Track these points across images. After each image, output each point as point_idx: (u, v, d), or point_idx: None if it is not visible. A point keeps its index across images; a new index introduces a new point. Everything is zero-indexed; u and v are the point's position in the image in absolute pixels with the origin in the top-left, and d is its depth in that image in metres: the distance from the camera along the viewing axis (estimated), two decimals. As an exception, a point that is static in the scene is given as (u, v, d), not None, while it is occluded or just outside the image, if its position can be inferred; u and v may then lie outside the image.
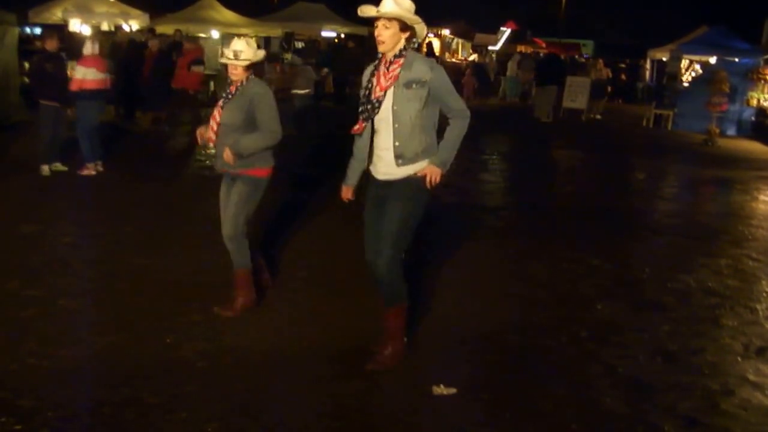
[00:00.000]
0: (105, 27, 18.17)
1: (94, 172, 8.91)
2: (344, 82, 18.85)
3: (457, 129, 3.98)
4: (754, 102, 17.78)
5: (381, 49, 3.86)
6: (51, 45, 8.85)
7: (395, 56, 3.85)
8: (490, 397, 3.92)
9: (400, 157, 3.89)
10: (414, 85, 3.82)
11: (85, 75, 8.64)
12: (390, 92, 3.84)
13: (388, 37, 3.80)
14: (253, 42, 4.82)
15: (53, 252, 5.99)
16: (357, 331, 4.66)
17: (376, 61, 3.97)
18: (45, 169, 8.74)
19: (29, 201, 7.69)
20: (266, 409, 3.68)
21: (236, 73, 4.66)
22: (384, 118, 3.88)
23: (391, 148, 3.89)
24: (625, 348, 4.66)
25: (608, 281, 6.03)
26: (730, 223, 8.42)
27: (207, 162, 10.10)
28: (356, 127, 3.98)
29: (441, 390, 3.91)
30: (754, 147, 15.97)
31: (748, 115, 17.92)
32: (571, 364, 4.41)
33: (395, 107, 3.84)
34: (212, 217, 7.00)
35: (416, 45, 4.11)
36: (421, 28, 3.89)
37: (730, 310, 5.47)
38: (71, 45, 10.67)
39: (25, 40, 16.28)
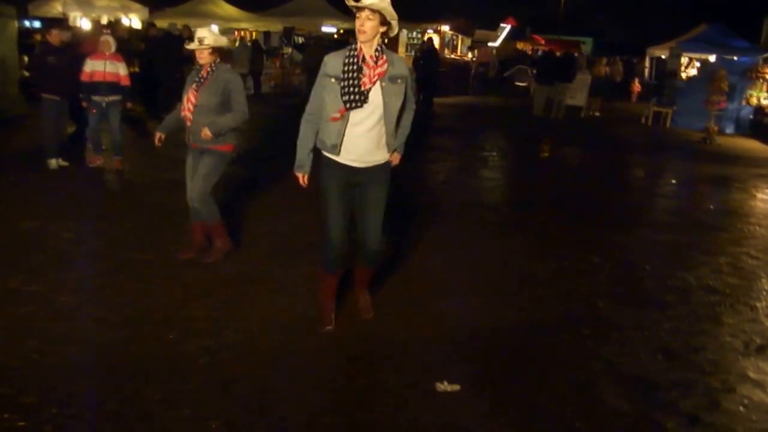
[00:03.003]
0: (105, 20, 18.10)
1: (101, 163, 9.03)
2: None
3: (410, 120, 4.41)
4: (753, 100, 17.80)
5: (362, 38, 4.03)
6: (54, 39, 8.83)
7: (378, 52, 4.08)
8: (492, 394, 3.94)
9: (389, 145, 4.24)
10: (398, 81, 4.13)
11: (95, 67, 8.65)
12: (377, 86, 4.07)
13: (369, 29, 4.00)
14: (216, 29, 5.60)
15: (55, 248, 5.99)
16: (361, 327, 4.67)
17: (348, 52, 4.13)
18: (52, 163, 8.75)
19: (30, 196, 7.68)
20: (270, 405, 3.69)
21: (202, 57, 5.39)
22: (372, 110, 4.10)
23: (376, 136, 4.17)
24: (626, 346, 4.68)
25: (608, 279, 6.05)
26: (729, 221, 8.45)
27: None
28: (336, 115, 4.10)
29: (444, 387, 3.93)
30: (752, 145, 16.00)
31: (747, 113, 17.93)
32: (572, 361, 4.42)
33: (386, 100, 4.10)
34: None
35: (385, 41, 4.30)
36: (395, 24, 4.11)
37: (730, 308, 5.49)
38: (79, 39, 10.63)
39: (25, 34, 16.24)
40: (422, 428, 3.59)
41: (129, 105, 8.88)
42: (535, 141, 14.73)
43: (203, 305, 4.89)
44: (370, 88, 4.05)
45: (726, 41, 20.32)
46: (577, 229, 7.58)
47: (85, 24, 17.25)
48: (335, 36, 23.41)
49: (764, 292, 5.92)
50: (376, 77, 4.04)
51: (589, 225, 7.81)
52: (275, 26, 23.03)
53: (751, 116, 17.84)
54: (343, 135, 4.14)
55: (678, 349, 4.68)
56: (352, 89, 4.04)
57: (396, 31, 4.15)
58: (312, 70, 19.00)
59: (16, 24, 13.72)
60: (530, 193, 9.76)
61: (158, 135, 5.71)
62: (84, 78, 8.62)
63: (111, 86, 8.72)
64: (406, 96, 4.23)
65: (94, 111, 8.78)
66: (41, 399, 3.61)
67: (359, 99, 4.05)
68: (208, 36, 5.35)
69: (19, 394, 3.65)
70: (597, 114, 19.64)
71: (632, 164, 13.09)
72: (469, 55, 32.48)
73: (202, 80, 5.39)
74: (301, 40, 23.61)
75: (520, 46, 33.18)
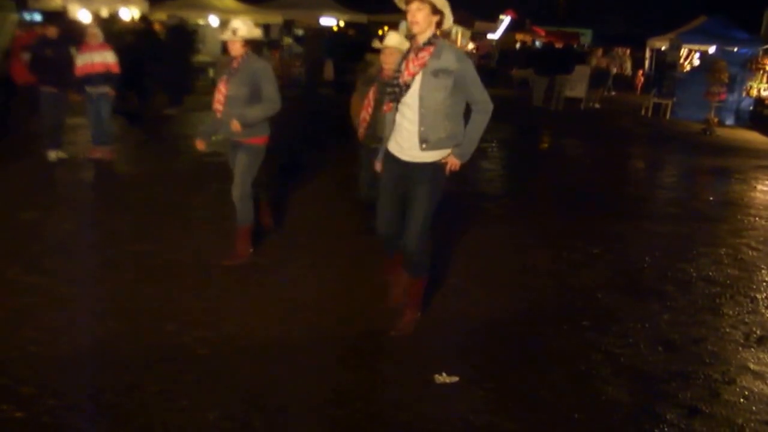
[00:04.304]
0: (104, 13, 18.01)
1: (100, 155, 8.96)
2: (344, 70, 18.76)
3: (478, 123, 4.13)
4: (753, 92, 17.73)
5: (415, 30, 3.98)
6: (52, 32, 8.82)
7: (425, 43, 3.98)
8: (491, 385, 3.92)
9: (425, 141, 4.05)
10: (441, 74, 3.95)
11: (90, 60, 8.63)
12: (418, 78, 3.99)
13: (422, 18, 3.92)
14: (249, 21, 5.39)
15: (53, 239, 5.98)
16: (360, 318, 4.66)
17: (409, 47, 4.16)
18: (52, 155, 8.75)
19: (29, 187, 7.67)
20: (268, 397, 3.68)
21: (235, 49, 5.24)
22: (411, 103, 4.03)
23: (417, 131, 4.04)
24: (626, 337, 4.67)
25: (608, 270, 6.04)
26: (729, 213, 8.44)
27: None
28: (384, 107, 4.18)
29: (443, 378, 3.92)
30: (752, 137, 15.95)
31: (747, 104, 17.87)
32: (572, 353, 4.41)
33: (422, 93, 3.98)
34: (212, 204, 7.02)
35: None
36: (448, 14, 4.00)
37: (730, 299, 5.48)
38: (72, 31, 10.59)
39: (24, 27, 16.18)
40: (421, 420, 3.58)
41: (111, 93, 8.83)
42: (535, 132, 14.69)
43: (202, 297, 4.87)
44: (409, 81, 4.00)
45: (726, 33, 20.18)
46: (576, 220, 7.56)
47: (85, 16, 17.14)
48: (334, 28, 23.32)
49: (764, 284, 5.91)
50: (417, 68, 3.98)
51: (588, 216, 7.80)
52: (275, 18, 22.95)
53: (751, 108, 17.78)
54: (394, 126, 4.16)
55: (678, 341, 4.67)
56: (394, 81, 4.09)
57: (450, 21, 4.01)
58: (311, 61, 19.00)
59: (16, 17, 13.66)
60: (529, 183, 9.74)
61: (199, 142, 5.56)
62: (78, 72, 8.64)
63: (102, 76, 8.73)
64: (452, 91, 3.97)
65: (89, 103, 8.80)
66: (39, 390, 3.60)
67: (397, 92, 4.05)
68: (242, 27, 5.21)
69: (17, 385, 3.63)
70: (597, 105, 19.60)
71: (632, 156, 13.07)
72: (469, 46, 32.40)
73: (232, 71, 5.27)
74: (300, 32, 23.54)
75: (519, 37, 33.11)
